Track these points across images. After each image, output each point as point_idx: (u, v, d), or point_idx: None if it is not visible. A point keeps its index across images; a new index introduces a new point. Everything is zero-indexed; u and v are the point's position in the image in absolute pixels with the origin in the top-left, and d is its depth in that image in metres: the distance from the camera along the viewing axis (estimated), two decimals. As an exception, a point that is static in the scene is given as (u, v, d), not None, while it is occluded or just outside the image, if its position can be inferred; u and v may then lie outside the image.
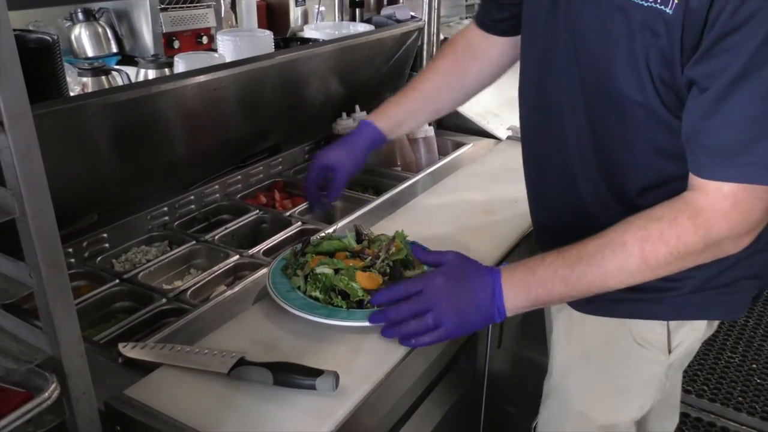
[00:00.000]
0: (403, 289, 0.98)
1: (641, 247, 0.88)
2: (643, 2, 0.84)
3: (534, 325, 1.61)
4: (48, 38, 1.41)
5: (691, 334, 1.08)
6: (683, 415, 2.22)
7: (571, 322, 1.15)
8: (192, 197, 1.57)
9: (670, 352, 1.08)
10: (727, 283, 1.03)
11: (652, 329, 1.07)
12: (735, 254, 0.91)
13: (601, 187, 1.02)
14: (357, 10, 2.58)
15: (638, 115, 0.93)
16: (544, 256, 0.94)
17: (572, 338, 1.16)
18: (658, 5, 0.83)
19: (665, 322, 1.06)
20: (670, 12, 0.82)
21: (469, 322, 0.96)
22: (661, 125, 0.92)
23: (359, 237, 1.22)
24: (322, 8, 2.78)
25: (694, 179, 0.88)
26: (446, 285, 0.96)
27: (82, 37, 2.19)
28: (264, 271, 1.20)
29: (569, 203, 1.08)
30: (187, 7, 2.28)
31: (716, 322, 1.14)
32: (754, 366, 2.54)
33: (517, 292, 0.94)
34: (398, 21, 2.33)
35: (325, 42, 1.92)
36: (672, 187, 0.93)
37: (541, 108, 1.08)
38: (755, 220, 0.86)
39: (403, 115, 1.31)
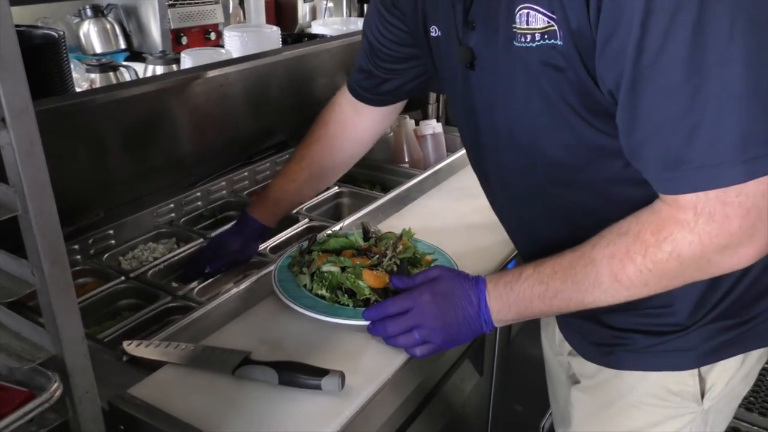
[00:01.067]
0: (391, 308, 0.97)
1: (609, 264, 0.82)
2: (532, 44, 0.80)
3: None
4: (54, 34, 1.41)
5: (723, 375, 0.97)
6: (693, 415, 2.20)
7: (588, 370, 1.06)
8: (198, 194, 1.56)
9: (702, 397, 0.98)
10: (755, 314, 0.94)
11: (682, 381, 0.97)
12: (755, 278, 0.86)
13: (572, 233, 0.93)
14: (365, 6, 2.57)
15: (582, 156, 0.87)
16: (522, 271, 0.91)
17: (592, 388, 1.07)
18: (547, 41, 0.79)
19: (696, 371, 0.96)
20: (561, 43, 0.78)
21: (457, 337, 0.95)
22: (610, 154, 0.85)
23: (366, 235, 1.21)
24: (330, 4, 2.77)
25: None
26: (433, 302, 0.95)
27: (91, 33, 2.20)
28: (270, 268, 1.19)
29: (545, 243, 0.98)
30: (195, 3, 2.28)
31: (754, 354, 1.00)
32: (766, 366, 2.51)
33: (500, 306, 0.93)
34: (407, 17, 2.31)
35: (332, 38, 1.91)
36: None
37: (486, 172, 1.05)
38: (736, 228, 0.73)
39: (282, 208, 1.32)
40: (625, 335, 0.97)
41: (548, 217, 0.98)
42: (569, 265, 0.86)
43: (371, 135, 1.32)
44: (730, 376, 0.98)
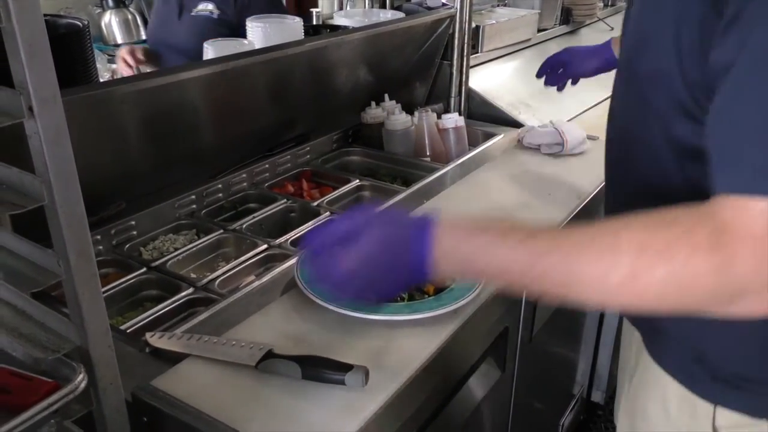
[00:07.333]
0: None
1: (636, 256, 0.62)
2: None
3: (566, 322, 1.57)
4: (78, 23, 1.40)
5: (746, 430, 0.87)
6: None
7: (654, 379, 0.97)
8: (220, 185, 1.56)
9: None
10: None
11: (694, 402, 0.90)
12: None
13: (626, 187, 0.95)
14: (387, -1, 2.55)
15: (658, 94, 0.80)
16: (507, 232, 0.71)
17: (650, 395, 0.98)
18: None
19: (711, 405, 0.88)
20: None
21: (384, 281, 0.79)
22: (680, 110, 0.77)
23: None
24: (351, -5, 2.75)
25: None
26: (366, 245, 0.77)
27: (112, 23, 2.21)
28: (292, 261, 1.18)
29: (611, 208, 1.02)
30: (217, -7, 2.26)
31: None
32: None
33: (450, 257, 0.73)
34: (429, 8, 2.29)
35: (354, 29, 1.89)
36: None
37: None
38: None
39: None
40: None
41: (621, 166, 0.97)
42: (585, 230, 0.67)
43: None
44: None
